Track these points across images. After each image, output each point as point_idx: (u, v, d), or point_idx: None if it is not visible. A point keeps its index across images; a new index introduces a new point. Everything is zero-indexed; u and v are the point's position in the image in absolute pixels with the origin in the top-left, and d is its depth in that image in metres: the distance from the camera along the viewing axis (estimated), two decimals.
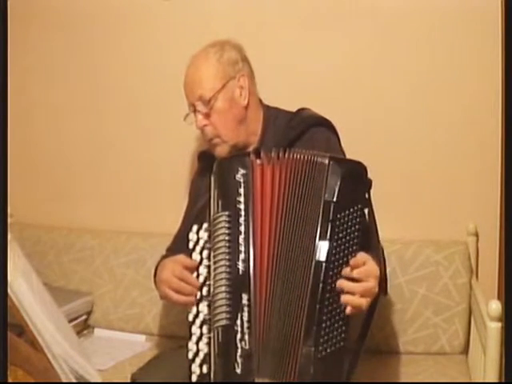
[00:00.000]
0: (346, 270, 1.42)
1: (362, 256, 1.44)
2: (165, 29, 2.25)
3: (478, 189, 2.07)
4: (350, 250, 1.44)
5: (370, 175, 1.52)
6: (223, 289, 1.46)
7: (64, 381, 1.31)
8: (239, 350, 1.42)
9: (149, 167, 2.33)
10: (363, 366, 1.81)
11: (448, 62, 2.06)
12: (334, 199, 1.46)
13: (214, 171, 1.56)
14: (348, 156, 1.73)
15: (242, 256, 1.46)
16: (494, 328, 1.55)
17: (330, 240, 1.44)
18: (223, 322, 1.44)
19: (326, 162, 1.50)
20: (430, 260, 1.98)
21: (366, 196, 1.50)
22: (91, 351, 1.96)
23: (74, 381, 1.32)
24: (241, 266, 1.46)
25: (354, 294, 1.41)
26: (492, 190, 2.04)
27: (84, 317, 2.18)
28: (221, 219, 1.50)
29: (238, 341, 1.42)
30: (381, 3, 2.09)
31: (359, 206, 1.46)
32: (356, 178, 1.50)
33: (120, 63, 2.32)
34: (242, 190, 1.51)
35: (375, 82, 2.11)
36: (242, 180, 1.52)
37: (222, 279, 1.46)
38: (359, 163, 1.52)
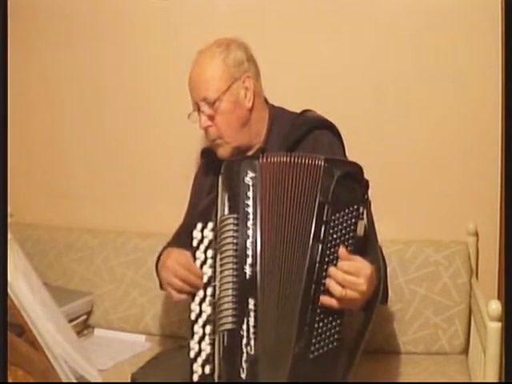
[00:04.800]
0: (339, 264, 1.41)
1: (353, 256, 1.42)
2: (166, 27, 2.24)
3: (478, 189, 2.07)
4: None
5: (370, 175, 1.51)
6: (229, 292, 1.44)
7: (64, 381, 1.31)
8: (244, 355, 1.41)
9: (149, 167, 2.32)
10: (363, 366, 1.82)
11: (448, 63, 2.06)
12: (329, 200, 1.45)
13: (222, 172, 1.54)
14: (348, 155, 1.73)
15: (249, 260, 1.45)
16: (494, 328, 1.56)
17: (323, 241, 1.43)
18: (229, 326, 1.43)
19: (322, 163, 1.49)
20: (430, 260, 1.98)
21: (365, 197, 1.48)
22: (91, 351, 1.95)
23: (74, 381, 1.32)
24: (248, 270, 1.44)
25: (337, 282, 1.39)
26: (492, 190, 2.04)
27: (84, 317, 2.18)
28: (228, 221, 1.48)
29: (243, 346, 1.41)
30: (382, 3, 2.09)
31: (355, 207, 1.45)
32: (351, 178, 1.48)
33: (120, 63, 2.32)
34: (250, 194, 1.49)
35: (376, 83, 2.11)
36: (250, 183, 1.50)
37: (228, 283, 1.45)
38: (355, 164, 1.51)
